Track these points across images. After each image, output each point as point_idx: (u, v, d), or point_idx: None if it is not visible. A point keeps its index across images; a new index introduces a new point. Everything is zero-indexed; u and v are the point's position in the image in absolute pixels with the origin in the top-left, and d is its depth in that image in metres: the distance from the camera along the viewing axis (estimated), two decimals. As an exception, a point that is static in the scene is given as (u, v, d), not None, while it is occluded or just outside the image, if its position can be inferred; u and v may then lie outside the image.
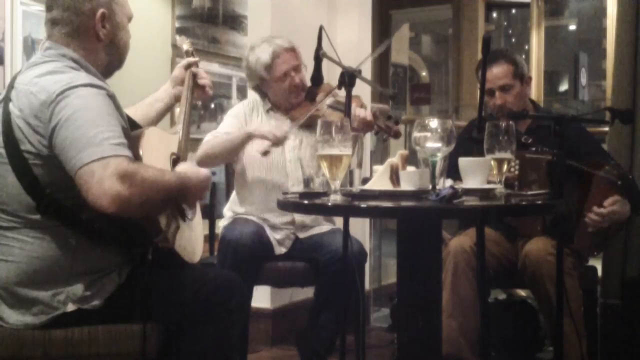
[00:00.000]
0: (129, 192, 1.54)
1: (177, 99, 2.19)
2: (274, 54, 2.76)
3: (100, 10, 1.81)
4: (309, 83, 2.71)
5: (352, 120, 2.54)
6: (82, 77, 1.71)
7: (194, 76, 2.20)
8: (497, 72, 2.77)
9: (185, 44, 2.36)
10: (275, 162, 2.79)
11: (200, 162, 2.64)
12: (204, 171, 1.82)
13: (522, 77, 2.81)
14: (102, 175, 1.54)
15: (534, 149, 2.59)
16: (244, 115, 2.87)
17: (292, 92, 2.81)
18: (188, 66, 2.21)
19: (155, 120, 2.17)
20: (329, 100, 2.76)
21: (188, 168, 1.81)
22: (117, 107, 1.73)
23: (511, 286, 3.24)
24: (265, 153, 2.62)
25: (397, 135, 2.65)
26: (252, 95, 3.02)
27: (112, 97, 1.72)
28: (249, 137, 2.65)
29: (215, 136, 2.75)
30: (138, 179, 1.56)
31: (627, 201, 2.52)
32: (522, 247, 2.64)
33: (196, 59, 2.26)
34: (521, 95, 2.81)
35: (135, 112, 2.09)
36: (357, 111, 2.58)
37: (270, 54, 2.76)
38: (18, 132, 1.67)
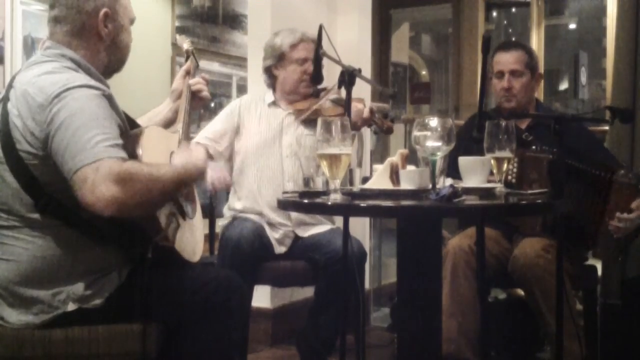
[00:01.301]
0: (123, 193, 1.53)
1: (177, 112, 2.18)
2: (302, 38, 2.86)
3: (104, 10, 1.81)
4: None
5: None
6: (79, 78, 1.70)
7: (189, 86, 2.18)
8: (512, 56, 2.82)
9: (185, 43, 2.36)
10: (272, 158, 2.80)
11: None
12: (201, 158, 1.81)
13: (533, 70, 2.83)
14: (94, 180, 1.53)
15: (534, 147, 2.59)
16: (238, 110, 2.89)
17: (304, 80, 2.84)
18: (186, 74, 2.21)
19: None
20: (333, 96, 2.78)
21: (185, 158, 1.79)
22: (114, 107, 1.73)
23: (511, 286, 3.23)
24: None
25: (388, 131, 2.71)
26: (255, 92, 3.03)
27: (108, 98, 1.71)
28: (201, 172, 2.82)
29: (205, 137, 2.82)
30: (132, 179, 1.56)
31: None
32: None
33: (189, 63, 2.25)
34: (528, 87, 2.82)
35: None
36: (355, 105, 2.61)
37: (298, 37, 2.86)
38: (15, 132, 1.66)
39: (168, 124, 2.17)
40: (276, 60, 2.88)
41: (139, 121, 2.08)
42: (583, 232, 2.60)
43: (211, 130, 2.86)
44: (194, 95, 2.18)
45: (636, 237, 2.66)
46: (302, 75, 2.84)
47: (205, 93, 2.21)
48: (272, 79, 2.93)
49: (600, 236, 2.56)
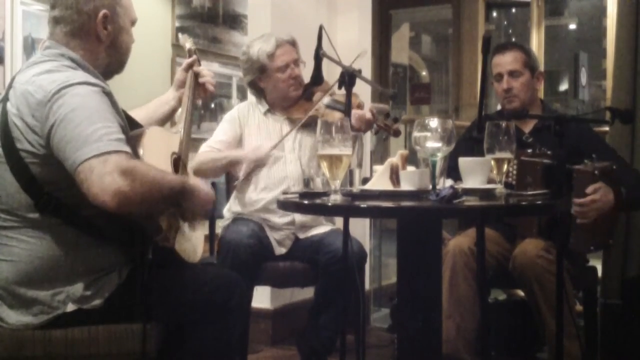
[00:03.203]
0: (129, 187, 1.53)
1: (181, 101, 2.19)
2: (277, 43, 2.80)
3: (103, 11, 1.81)
4: (306, 81, 2.72)
5: (351, 119, 2.55)
6: (79, 75, 1.71)
7: (196, 75, 2.19)
8: (509, 57, 2.81)
9: (187, 43, 2.36)
10: (276, 163, 2.79)
11: (194, 173, 2.67)
12: (210, 190, 1.82)
13: (532, 69, 2.83)
14: (102, 171, 1.53)
15: (529, 150, 2.59)
16: (238, 120, 2.86)
17: (292, 84, 2.82)
18: (188, 67, 2.21)
19: (161, 124, 2.17)
20: (327, 100, 2.76)
21: (198, 181, 1.81)
22: (114, 105, 1.73)
23: (510, 286, 3.24)
24: (244, 175, 2.69)
25: (397, 133, 2.66)
26: (250, 98, 3.02)
27: (108, 95, 1.71)
28: (236, 164, 2.73)
29: (209, 147, 2.79)
30: (138, 175, 1.56)
31: (609, 189, 2.48)
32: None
33: (195, 57, 2.25)
34: (529, 86, 2.82)
35: (139, 114, 2.08)
36: (356, 111, 2.59)
37: (273, 44, 2.80)
38: (15, 131, 1.67)
39: (172, 112, 2.19)
40: (258, 72, 2.83)
41: (142, 110, 2.09)
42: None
43: (217, 140, 2.82)
44: (199, 85, 2.18)
45: (612, 226, 2.65)
46: (289, 81, 2.81)
47: (210, 86, 2.21)
48: (259, 91, 2.90)
49: (571, 228, 2.55)
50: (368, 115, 2.61)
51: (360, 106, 2.70)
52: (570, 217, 2.52)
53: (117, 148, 1.58)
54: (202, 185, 1.80)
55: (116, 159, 1.55)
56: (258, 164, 2.70)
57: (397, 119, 2.69)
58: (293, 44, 2.84)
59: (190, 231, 1.93)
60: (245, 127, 2.85)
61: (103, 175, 1.53)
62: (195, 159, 2.73)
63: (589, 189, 2.46)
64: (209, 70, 2.27)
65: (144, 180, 1.57)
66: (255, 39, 2.89)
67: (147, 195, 1.59)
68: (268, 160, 2.71)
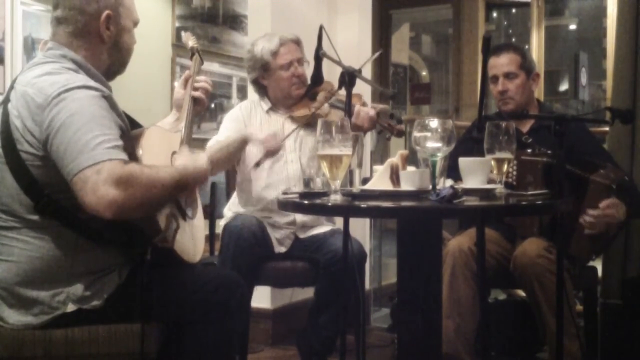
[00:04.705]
0: (124, 196, 1.53)
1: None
2: (280, 41, 2.82)
3: (106, 12, 1.81)
4: (309, 81, 2.71)
5: (355, 118, 2.55)
6: (79, 78, 1.70)
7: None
8: (504, 59, 2.82)
9: (190, 41, 2.35)
10: (276, 163, 2.79)
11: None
12: (202, 161, 1.81)
13: (528, 70, 2.83)
14: (95, 182, 1.53)
15: (529, 150, 2.59)
16: (242, 118, 2.86)
17: (294, 83, 2.82)
18: (186, 82, 2.19)
19: None
20: (331, 98, 2.76)
21: (186, 160, 1.80)
22: (114, 108, 1.73)
23: (510, 286, 3.24)
24: (258, 164, 2.65)
25: (400, 133, 2.67)
26: (251, 97, 3.02)
27: (107, 98, 1.71)
28: (244, 142, 2.69)
29: (217, 141, 2.75)
30: (133, 181, 1.56)
31: (622, 204, 2.50)
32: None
33: (195, 61, 2.24)
34: (525, 88, 2.82)
35: None
36: (360, 108, 2.60)
37: (277, 42, 2.82)
38: (16, 133, 1.67)
39: None
40: (261, 70, 2.84)
41: None
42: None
43: (225, 136, 2.79)
44: (195, 100, 2.18)
45: (615, 237, 2.66)
46: (291, 79, 2.81)
47: (204, 100, 2.20)
48: (262, 88, 2.91)
49: (575, 234, 2.56)
50: (372, 112, 2.61)
51: (364, 105, 2.70)
52: (573, 221, 2.52)
53: (112, 156, 1.57)
54: (195, 163, 1.78)
55: (109, 168, 1.54)
56: (271, 154, 2.68)
57: (400, 120, 2.70)
58: (297, 42, 2.86)
59: (190, 227, 1.92)
60: (248, 125, 2.84)
61: (97, 186, 1.53)
62: (206, 153, 2.70)
63: (603, 204, 2.47)
64: (206, 72, 2.26)
65: (138, 187, 1.56)
66: (260, 37, 2.90)
67: (143, 201, 1.59)
68: (279, 151, 2.69)
